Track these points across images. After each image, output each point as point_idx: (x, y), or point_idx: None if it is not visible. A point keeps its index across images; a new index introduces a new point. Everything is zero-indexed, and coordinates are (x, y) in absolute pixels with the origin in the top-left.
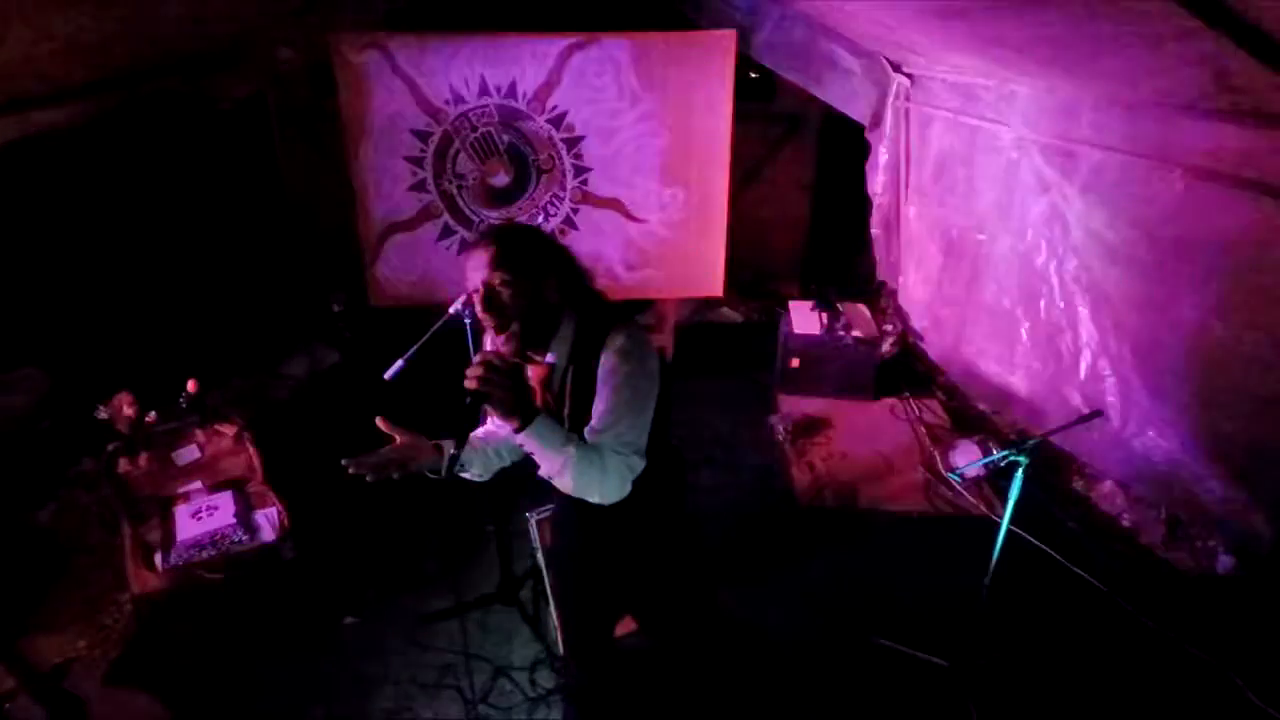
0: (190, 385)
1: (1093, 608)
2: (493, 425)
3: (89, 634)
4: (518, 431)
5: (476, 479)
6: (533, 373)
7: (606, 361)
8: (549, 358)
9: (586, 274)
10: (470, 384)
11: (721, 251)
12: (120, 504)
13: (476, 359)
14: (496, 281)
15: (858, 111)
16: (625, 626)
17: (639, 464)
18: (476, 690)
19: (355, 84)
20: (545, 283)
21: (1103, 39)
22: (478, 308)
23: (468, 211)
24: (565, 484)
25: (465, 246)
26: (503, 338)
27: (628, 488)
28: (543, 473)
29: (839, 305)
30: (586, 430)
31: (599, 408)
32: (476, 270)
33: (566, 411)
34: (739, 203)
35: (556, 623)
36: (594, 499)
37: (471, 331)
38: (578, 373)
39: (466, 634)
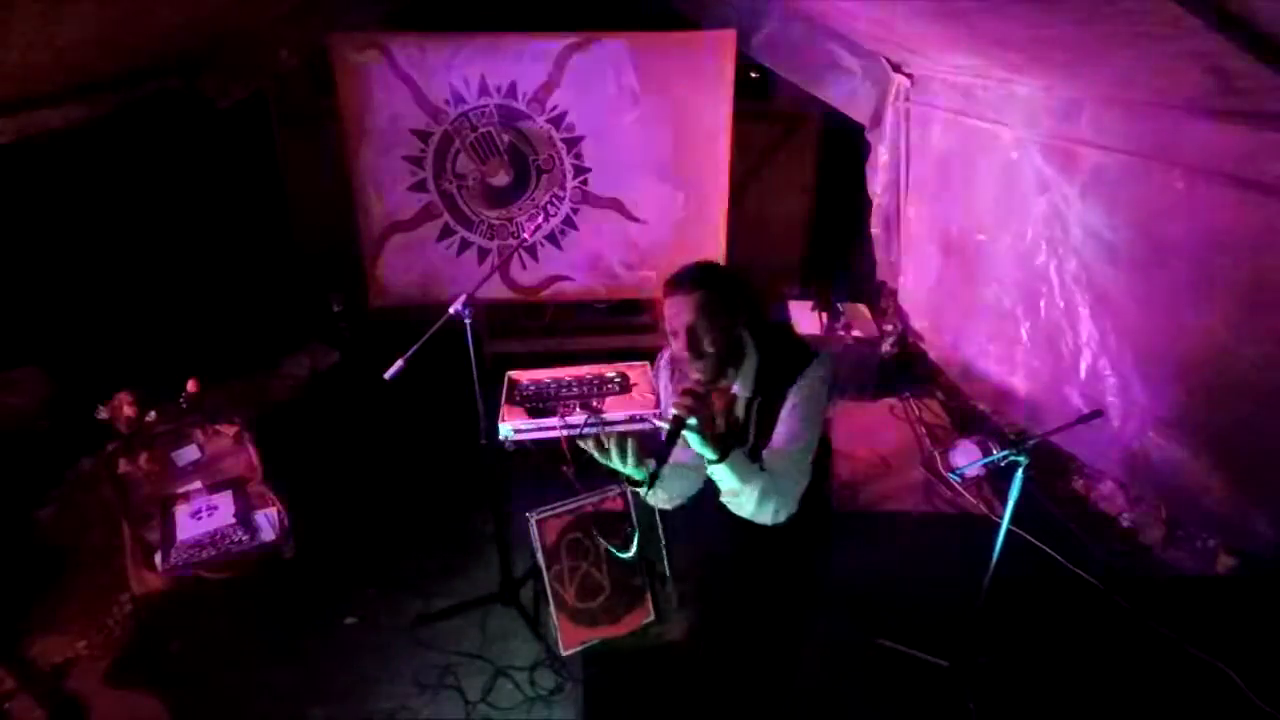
0: (190, 385)
1: (1093, 608)
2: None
3: (89, 634)
4: (715, 462)
5: (663, 504)
6: (715, 400)
7: (806, 389)
8: (735, 388)
9: (764, 305)
10: (680, 410)
11: (721, 252)
12: (120, 504)
13: (683, 388)
14: (698, 328)
15: (858, 111)
16: (626, 627)
17: (806, 482)
18: (477, 690)
19: (355, 84)
20: (736, 323)
21: (1103, 39)
22: (683, 350)
23: (468, 211)
24: (746, 509)
25: (669, 288)
26: (697, 368)
27: (797, 505)
28: (724, 499)
29: (839, 305)
30: (766, 451)
31: (786, 429)
32: (678, 314)
33: (750, 437)
34: (739, 203)
35: (556, 623)
36: (767, 521)
37: (471, 331)
38: (765, 402)
39: (466, 634)
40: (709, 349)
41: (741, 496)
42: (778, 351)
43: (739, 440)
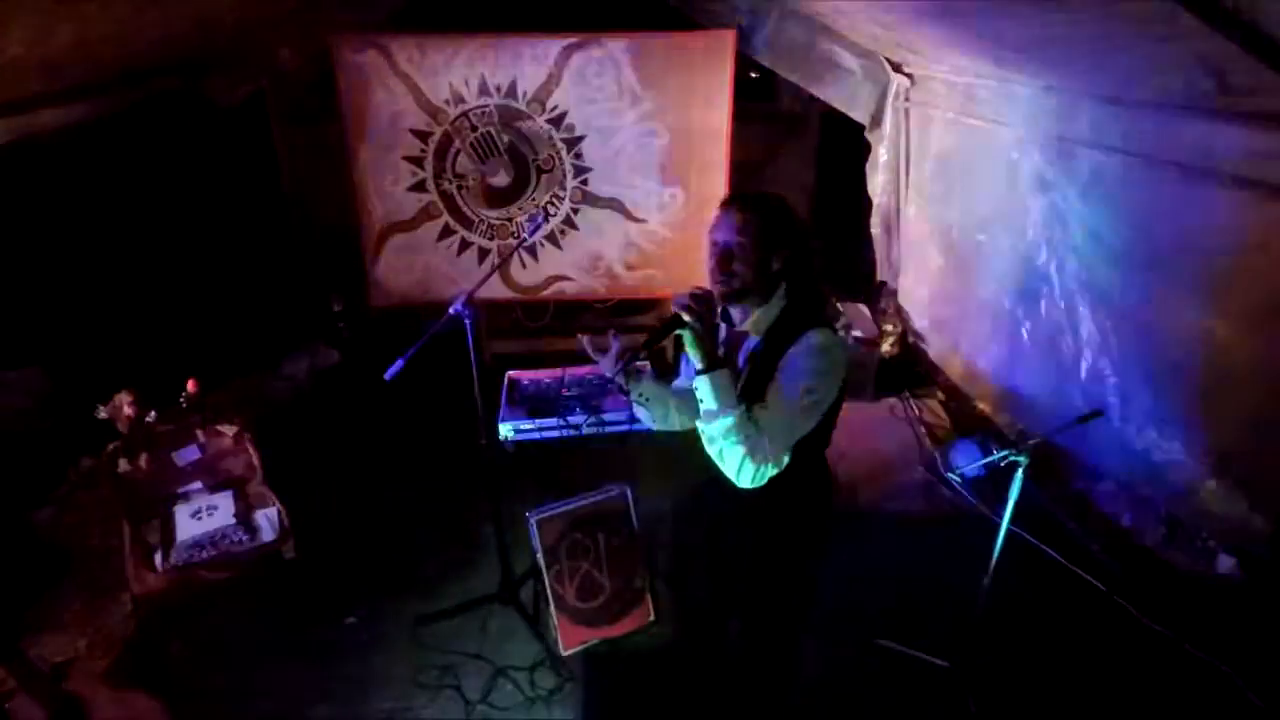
0: (190, 385)
1: (1093, 608)
2: (682, 380)
3: (89, 634)
4: (701, 372)
5: (648, 422)
6: (734, 339)
7: (798, 352)
8: (744, 325)
9: (815, 262)
10: (678, 308)
11: None
12: (120, 504)
13: (690, 290)
14: (735, 247)
15: (858, 111)
16: (626, 627)
17: (781, 464)
18: (477, 690)
19: (355, 84)
20: (775, 257)
21: (1103, 39)
22: (712, 262)
23: (468, 211)
24: (714, 439)
25: (726, 201)
26: (716, 282)
27: (760, 481)
28: (700, 422)
29: (839, 305)
30: (755, 408)
31: (774, 394)
32: (721, 227)
33: (741, 382)
34: None
35: (556, 623)
36: (727, 470)
37: (472, 331)
38: (766, 352)
39: (466, 634)
40: (735, 269)
41: (715, 424)
42: (798, 311)
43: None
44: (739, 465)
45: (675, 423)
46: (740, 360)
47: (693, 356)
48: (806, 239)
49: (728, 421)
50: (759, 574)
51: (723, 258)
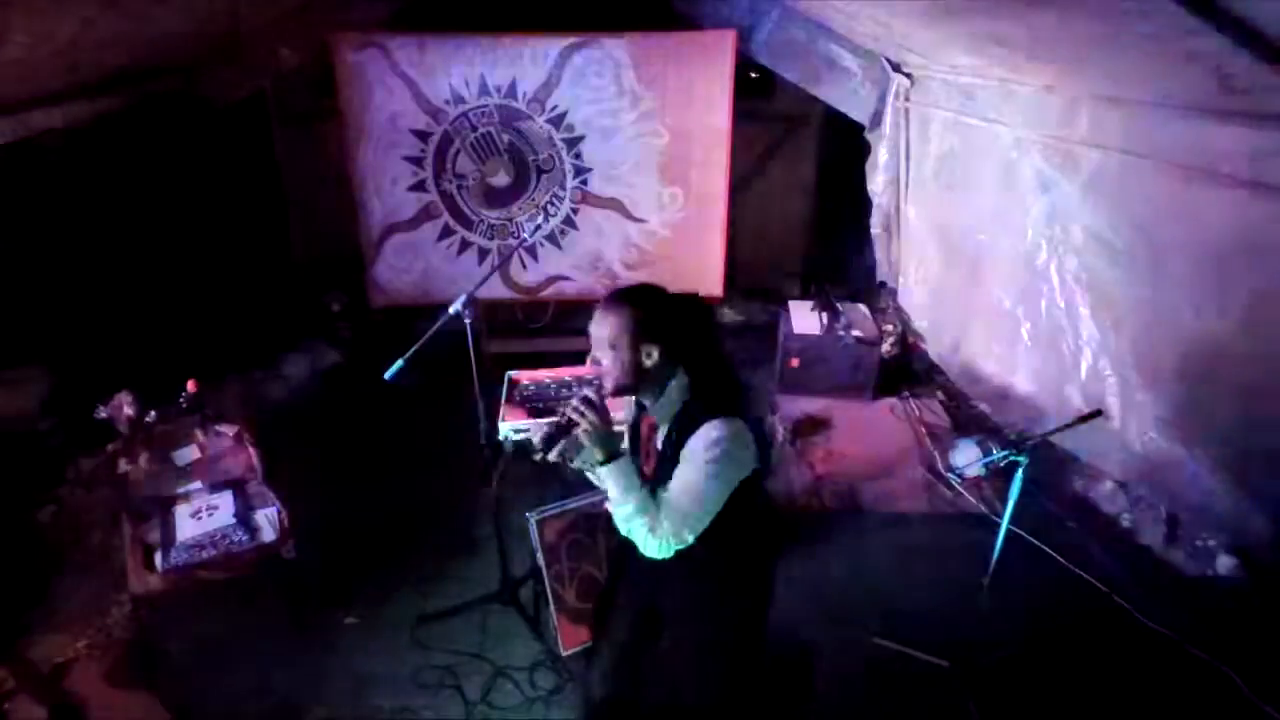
0: (190, 385)
1: (1093, 608)
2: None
3: (89, 634)
4: (600, 463)
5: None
6: (643, 424)
7: (695, 444)
8: (652, 412)
9: (714, 349)
10: (572, 412)
11: (721, 251)
12: (120, 504)
13: (584, 394)
14: (603, 342)
15: (858, 111)
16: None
17: (688, 540)
18: (477, 690)
19: (355, 84)
20: (647, 353)
21: (1103, 39)
22: (591, 364)
23: (468, 211)
24: (620, 522)
25: (600, 300)
26: (610, 379)
27: (666, 554)
28: (609, 505)
29: (839, 305)
30: (661, 492)
31: (677, 481)
32: (593, 326)
33: (650, 469)
34: (739, 203)
35: (556, 623)
36: (652, 550)
37: (472, 331)
38: (671, 439)
39: (466, 634)
40: (606, 364)
41: (619, 510)
42: (699, 399)
43: (636, 464)
44: (643, 543)
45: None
46: (658, 444)
47: (592, 452)
48: (694, 328)
49: (628, 508)
50: (686, 630)
51: (594, 349)
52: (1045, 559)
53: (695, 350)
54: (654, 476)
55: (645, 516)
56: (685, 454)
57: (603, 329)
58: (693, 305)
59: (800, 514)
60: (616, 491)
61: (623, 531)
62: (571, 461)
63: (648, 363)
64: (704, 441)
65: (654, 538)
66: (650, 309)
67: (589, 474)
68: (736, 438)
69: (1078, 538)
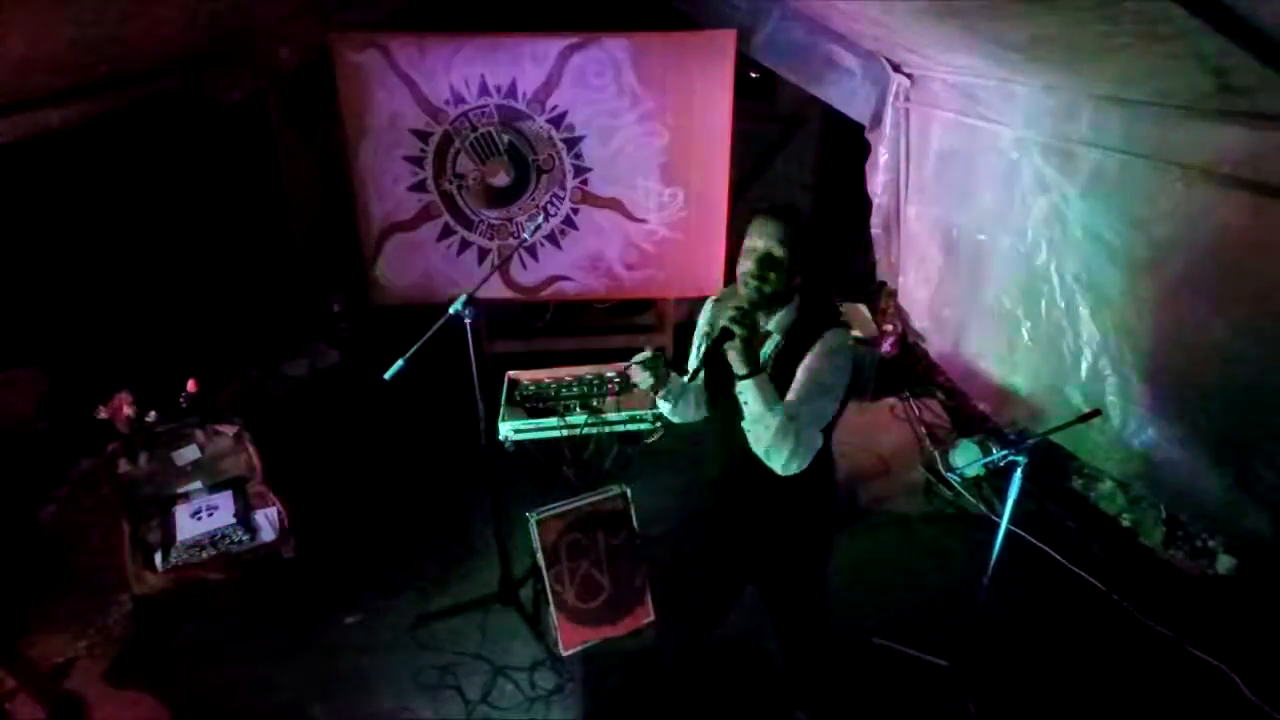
0: (190, 385)
1: (1093, 608)
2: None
3: (89, 634)
4: (743, 378)
5: (670, 415)
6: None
7: (821, 351)
8: (768, 326)
9: (825, 269)
10: (729, 323)
11: (721, 251)
12: (120, 504)
13: (734, 305)
14: (778, 255)
15: (858, 111)
16: (626, 627)
17: (819, 442)
18: (477, 690)
19: (355, 84)
20: (799, 270)
21: (1103, 39)
22: (753, 266)
23: (468, 211)
24: (764, 439)
25: (763, 210)
26: (751, 289)
27: (803, 466)
28: (747, 425)
29: (839, 305)
30: (790, 403)
31: (806, 389)
32: (763, 235)
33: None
34: (739, 203)
35: (556, 623)
36: (776, 464)
37: (472, 331)
38: (786, 351)
39: (466, 634)
40: (772, 277)
41: (762, 424)
42: (812, 311)
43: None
44: (787, 458)
45: (691, 414)
46: (764, 360)
47: (736, 364)
48: (819, 251)
49: (774, 421)
50: (796, 541)
51: (762, 263)
52: (1045, 559)
53: (821, 270)
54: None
55: (788, 429)
56: (811, 362)
57: (777, 240)
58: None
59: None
60: (759, 406)
61: (760, 449)
62: (658, 391)
63: (798, 276)
64: (829, 348)
65: (798, 452)
66: (806, 231)
67: (665, 402)
68: (850, 344)
69: (1078, 538)
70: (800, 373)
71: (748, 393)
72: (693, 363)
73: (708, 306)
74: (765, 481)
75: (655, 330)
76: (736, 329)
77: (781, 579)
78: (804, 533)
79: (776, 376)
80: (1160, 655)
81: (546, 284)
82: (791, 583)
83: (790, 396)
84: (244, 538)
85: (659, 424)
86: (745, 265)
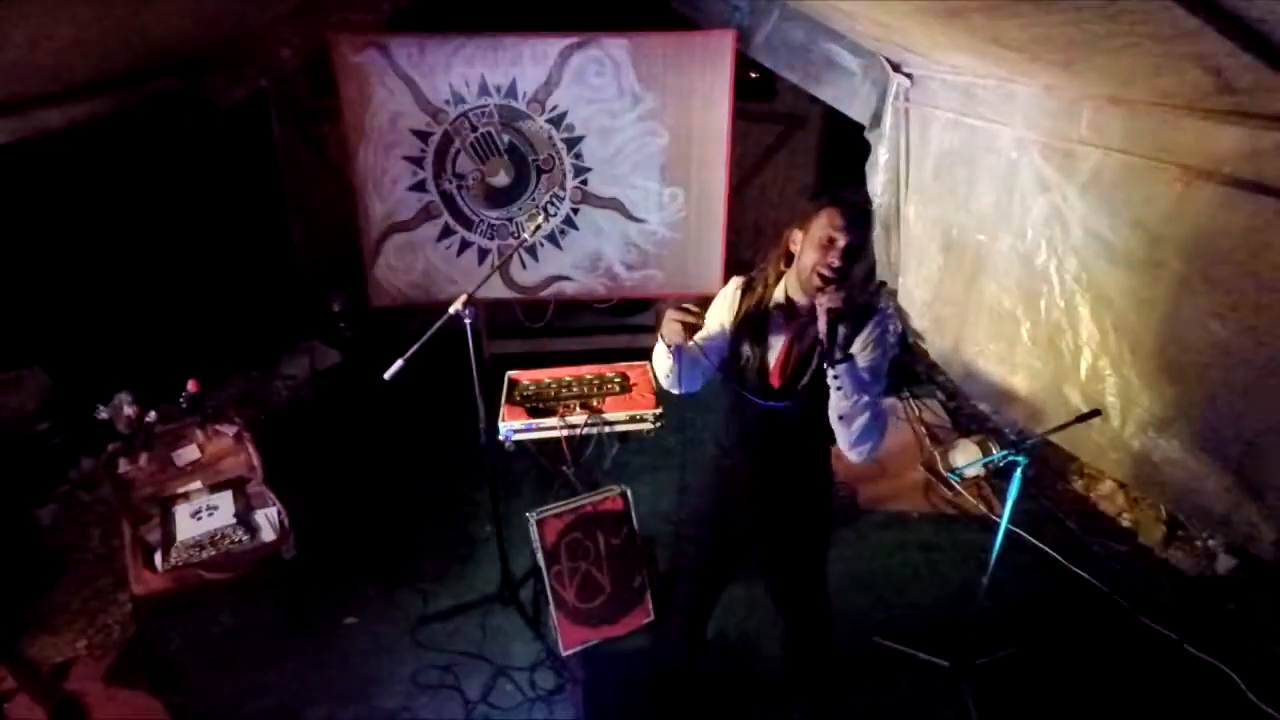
0: (190, 385)
1: (1093, 608)
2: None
3: (89, 634)
4: (838, 363)
5: (673, 381)
6: (784, 319)
7: (877, 332)
8: (798, 318)
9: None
10: (835, 306)
11: (721, 251)
12: (120, 504)
13: (834, 291)
14: (856, 245)
15: (858, 111)
16: (626, 627)
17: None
18: (477, 690)
19: (355, 84)
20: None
21: (1103, 39)
22: (836, 259)
23: (468, 211)
24: (858, 422)
25: (840, 199)
26: (830, 276)
27: (879, 442)
28: (838, 408)
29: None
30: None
31: (876, 370)
32: (845, 226)
33: (800, 359)
34: (739, 203)
35: (556, 623)
36: (866, 448)
37: (471, 331)
38: (834, 332)
39: (466, 634)
40: (848, 268)
41: (857, 407)
42: (858, 293)
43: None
44: (875, 441)
45: (694, 385)
46: (813, 336)
47: (838, 350)
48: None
49: (868, 405)
50: (804, 514)
51: (846, 253)
52: (1045, 559)
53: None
54: (817, 365)
55: (880, 413)
56: (871, 340)
57: (855, 232)
58: None
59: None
60: (852, 387)
61: (853, 434)
62: (683, 342)
63: (862, 260)
64: (881, 328)
65: (881, 427)
66: (868, 210)
67: (671, 363)
68: (892, 319)
69: (1078, 538)
70: (863, 359)
71: (843, 376)
72: (714, 337)
73: (733, 294)
74: (779, 453)
75: (655, 330)
76: (837, 309)
77: (788, 558)
78: (811, 506)
79: (834, 353)
80: (1160, 655)
81: (546, 284)
82: (798, 563)
83: (866, 376)
84: (244, 538)
85: (658, 423)
86: (819, 257)
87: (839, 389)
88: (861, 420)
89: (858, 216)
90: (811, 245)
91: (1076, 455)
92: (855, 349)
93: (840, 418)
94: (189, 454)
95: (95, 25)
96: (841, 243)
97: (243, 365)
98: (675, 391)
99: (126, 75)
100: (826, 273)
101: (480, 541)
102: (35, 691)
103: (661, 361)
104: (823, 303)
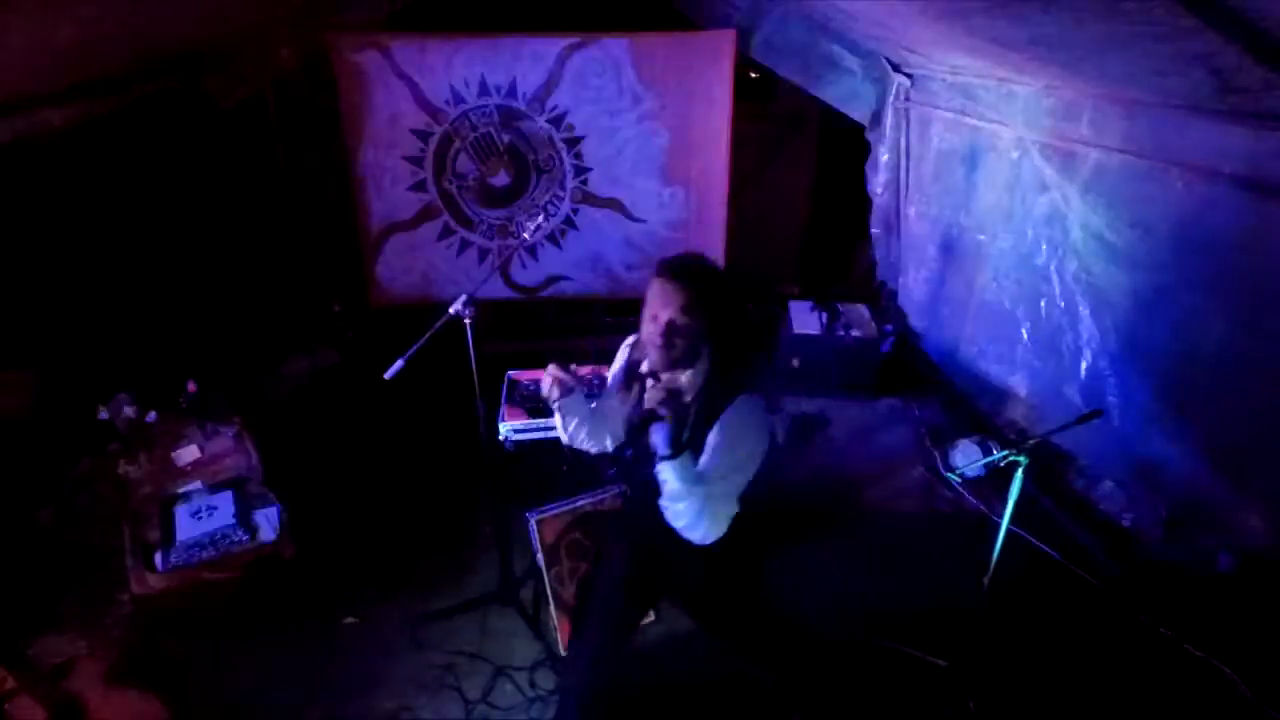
0: (190, 385)
1: (1093, 608)
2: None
3: (89, 634)
4: (666, 458)
5: (565, 438)
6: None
7: (730, 420)
8: (683, 379)
9: (744, 325)
10: (656, 405)
11: (721, 251)
12: (120, 504)
13: (659, 384)
14: (679, 324)
15: (858, 111)
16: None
17: (735, 509)
18: (477, 690)
19: (355, 84)
20: (710, 329)
21: (1103, 39)
22: (656, 337)
23: (468, 211)
24: (684, 516)
25: (665, 272)
26: (658, 356)
27: (719, 533)
28: (664, 502)
29: (839, 305)
30: (711, 479)
31: (716, 460)
32: (665, 305)
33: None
34: (739, 203)
35: (556, 623)
36: (694, 537)
37: (472, 331)
38: (703, 408)
39: (466, 634)
40: (677, 344)
41: (682, 502)
42: (726, 374)
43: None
44: (704, 532)
45: (587, 444)
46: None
47: (659, 445)
48: (737, 303)
49: (693, 501)
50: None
51: (668, 332)
52: (1045, 559)
53: (736, 326)
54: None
55: (707, 507)
56: (723, 436)
57: (681, 307)
58: (734, 283)
59: (800, 514)
60: (679, 485)
61: (678, 524)
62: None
63: (707, 336)
64: (741, 420)
65: (716, 523)
66: (719, 283)
67: (563, 419)
68: (760, 409)
69: (1078, 538)
70: (713, 446)
71: (667, 472)
72: (610, 395)
73: (624, 348)
74: (653, 500)
75: None
76: (664, 411)
77: (697, 601)
78: (692, 554)
79: (692, 435)
80: (1160, 655)
81: (546, 284)
82: (707, 603)
83: (704, 469)
84: (244, 538)
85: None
86: (648, 330)
87: (663, 482)
88: (683, 509)
89: (680, 291)
90: (643, 318)
91: (1076, 455)
92: (717, 435)
93: (666, 504)
94: (189, 454)
95: (95, 25)
96: (663, 319)
97: (243, 365)
98: (587, 449)
99: (126, 75)
100: (653, 353)
101: (480, 541)
102: (35, 691)
103: (556, 420)
104: (647, 398)
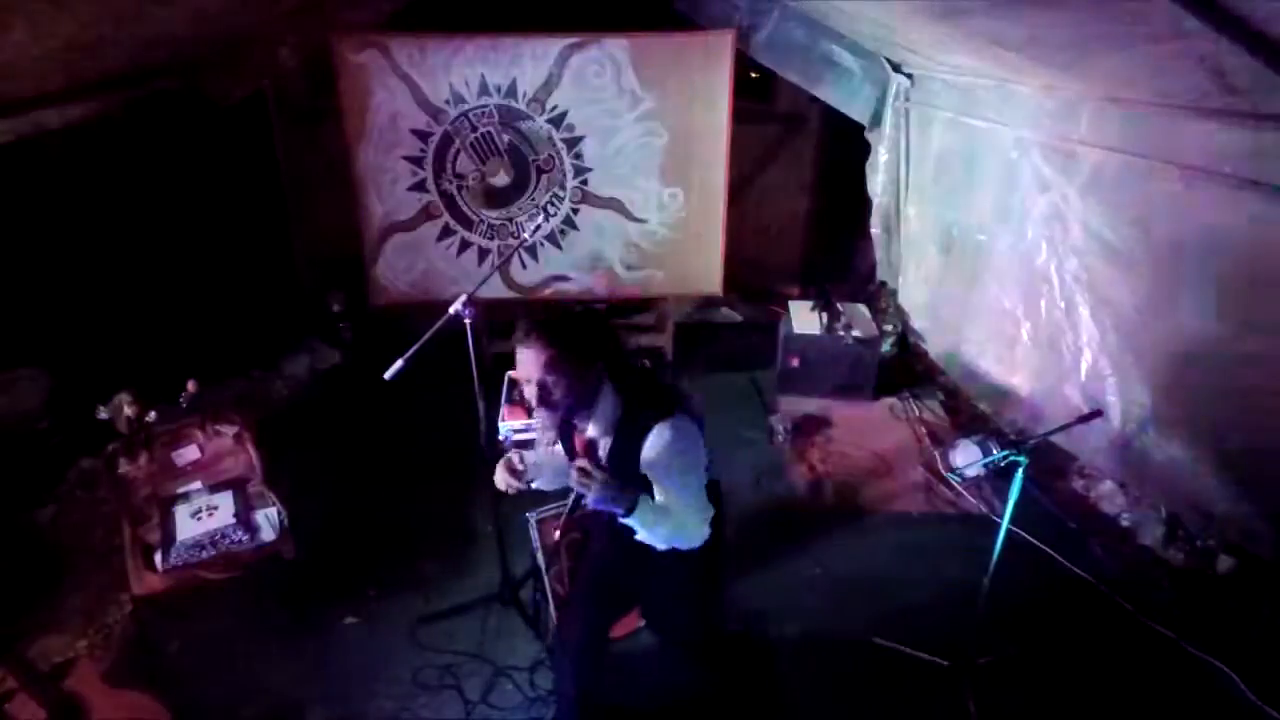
0: (190, 385)
1: (1093, 608)
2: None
3: (89, 634)
4: (625, 516)
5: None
6: (576, 442)
7: (658, 448)
8: (590, 431)
9: (622, 352)
10: (578, 486)
11: (721, 251)
12: (120, 504)
13: (576, 466)
14: (546, 383)
15: (858, 111)
16: (625, 628)
17: (710, 512)
18: (477, 690)
19: (355, 84)
20: (590, 371)
21: (1103, 39)
22: (531, 400)
23: (468, 211)
24: (663, 541)
25: (520, 336)
26: (543, 416)
27: (708, 531)
28: (641, 538)
29: (839, 305)
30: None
31: (664, 489)
32: (526, 367)
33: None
34: (739, 202)
35: (555, 623)
36: (684, 548)
37: (472, 331)
38: (622, 447)
39: (466, 634)
40: (555, 400)
41: (653, 536)
42: (637, 403)
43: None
44: (690, 543)
45: (560, 481)
46: (603, 459)
47: (612, 510)
48: (609, 337)
49: (662, 530)
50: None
51: (541, 394)
52: (1045, 559)
53: (610, 360)
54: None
55: (684, 526)
56: (657, 466)
57: (540, 367)
58: (591, 317)
59: (800, 514)
60: (645, 529)
61: (664, 546)
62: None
63: (591, 379)
64: (666, 444)
65: (697, 533)
66: (581, 329)
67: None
68: (685, 426)
69: (1078, 538)
70: (657, 478)
71: (632, 522)
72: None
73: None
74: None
75: (655, 330)
76: (583, 490)
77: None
78: (646, 573)
79: (617, 471)
80: (1160, 655)
81: (546, 284)
82: (665, 622)
83: (661, 500)
84: (244, 538)
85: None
86: (528, 396)
87: (633, 533)
88: (662, 535)
89: (529, 352)
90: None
91: (1076, 455)
92: (649, 467)
93: (642, 539)
94: (189, 454)
95: (95, 25)
96: (534, 382)
97: (243, 365)
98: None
99: (126, 75)
100: (542, 416)
101: (480, 542)
102: (35, 691)
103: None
104: (572, 484)
